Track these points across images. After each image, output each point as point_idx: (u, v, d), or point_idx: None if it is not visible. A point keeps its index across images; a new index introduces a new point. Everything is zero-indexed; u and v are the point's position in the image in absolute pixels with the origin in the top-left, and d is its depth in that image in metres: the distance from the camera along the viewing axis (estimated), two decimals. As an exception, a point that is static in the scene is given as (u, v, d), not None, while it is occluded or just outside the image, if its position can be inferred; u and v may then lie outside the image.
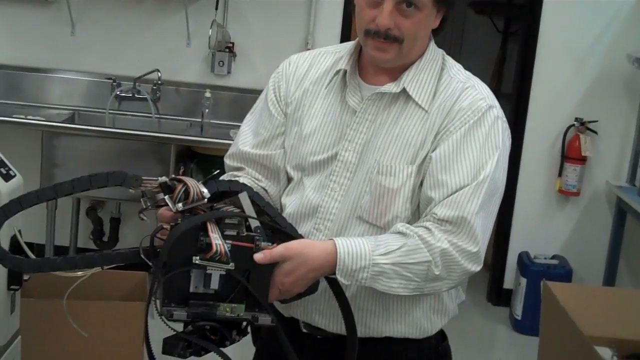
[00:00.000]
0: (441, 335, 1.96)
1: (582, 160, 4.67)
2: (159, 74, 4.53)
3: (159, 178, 1.59)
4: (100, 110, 4.55)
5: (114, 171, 1.59)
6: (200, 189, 1.58)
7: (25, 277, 2.18)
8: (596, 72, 4.70)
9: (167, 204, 1.58)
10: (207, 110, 4.47)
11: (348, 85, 1.84)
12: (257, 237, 1.57)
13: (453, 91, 1.79)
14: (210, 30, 4.45)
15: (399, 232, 1.70)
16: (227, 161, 1.98)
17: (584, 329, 2.49)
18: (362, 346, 1.76)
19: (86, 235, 4.71)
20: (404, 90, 1.79)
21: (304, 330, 1.89)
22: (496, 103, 1.81)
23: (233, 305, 1.56)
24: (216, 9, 4.52)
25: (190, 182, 1.58)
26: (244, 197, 1.65)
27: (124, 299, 3.30)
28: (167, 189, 1.59)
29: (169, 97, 4.63)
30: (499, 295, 4.96)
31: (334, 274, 1.67)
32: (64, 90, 4.65)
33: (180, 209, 1.56)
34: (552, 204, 4.84)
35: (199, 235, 1.53)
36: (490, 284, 5.03)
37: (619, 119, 4.72)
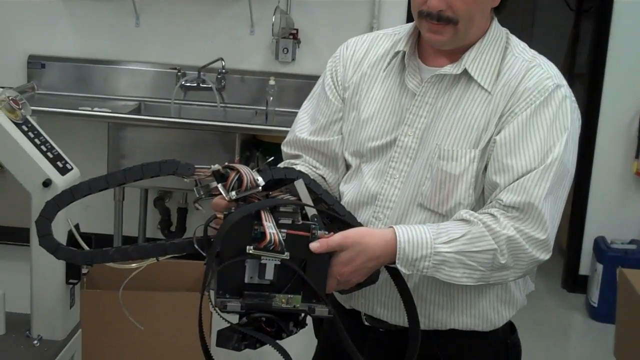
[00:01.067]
0: (510, 328, 1.88)
1: (660, 141, 4.52)
2: (223, 63, 4.51)
3: (212, 166, 1.55)
4: (165, 100, 4.55)
5: (166, 160, 1.56)
6: (254, 176, 1.54)
7: (84, 270, 2.17)
8: (675, 49, 4.54)
9: (220, 193, 1.54)
10: (271, 98, 4.44)
11: (407, 67, 1.78)
12: (313, 226, 1.52)
13: (518, 71, 1.71)
14: (273, 17, 4.40)
15: (463, 219, 1.64)
16: (285, 149, 1.94)
17: (662, 318, 2.39)
18: (426, 339, 1.69)
19: (154, 226, 4.74)
20: (465, 72, 1.72)
21: (366, 323, 1.84)
22: (564, 82, 1.72)
23: (289, 296, 1.51)
24: (279, -5, 4.49)
25: (244, 169, 1.54)
26: (300, 185, 1.60)
27: (189, 289, 3.28)
28: (220, 177, 1.54)
29: (233, 86, 4.62)
30: (574, 282, 4.85)
31: (394, 263, 1.61)
32: (129, 81, 4.67)
33: (234, 197, 1.52)
34: (630, 187, 4.70)
35: (252, 224, 1.49)
36: (565, 270, 4.91)
37: (700, 96, 4.55)
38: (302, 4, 4.57)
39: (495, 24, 1.78)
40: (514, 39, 1.80)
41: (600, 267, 4.47)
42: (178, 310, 3.06)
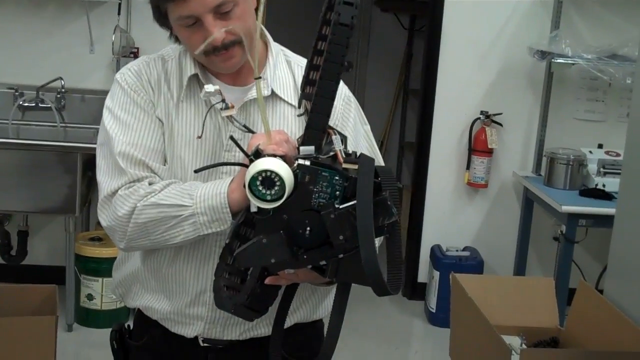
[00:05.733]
0: None
1: (489, 152, 4.77)
2: (63, 82, 4.44)
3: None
4: (2, 121, 4.43)
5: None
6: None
7: None
8: (499, 66, 4.81)
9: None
10: (113, 117, 4.39)
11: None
12: None
13: None
14: (113, 36, 4.39)
15: None
16: (130, 169, 1.76)
17: (492, 319, 2.53)
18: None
19: (-7, 250, 4.59)
20: (272, 92, 1.80)
21: (204, 344, 1.87)
22: None
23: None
24: (119, 14, 4.46)
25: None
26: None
27: (34, 313, 3.22)
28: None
29: (74, 105, 4.55)
30: (413, 289, 5.03)
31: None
32: (-37, 102, 4.52)
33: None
34: (462, 196, 4.94)
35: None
36: (405, 278, 5.08)
37: (523, 110, 4.85)
38: (142, 23, 4.54)
39: (268, 35, 1.87)
40: (285, 49, 1.90)
41: (437, 274, 4.65)
42: (25, 335, 2.99)
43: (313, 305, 1.90)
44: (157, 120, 1.79)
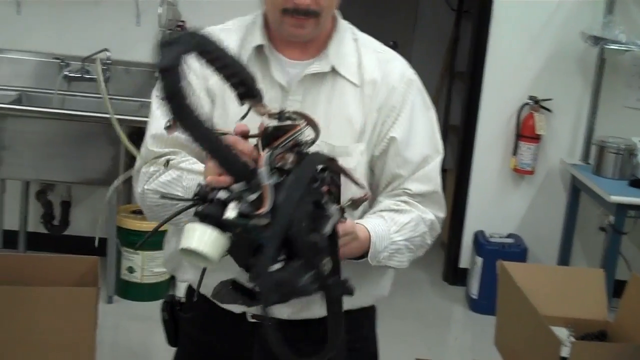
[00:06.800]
0: None
1: (537, 138, 4.69)
2: (108, 54, 4.43)
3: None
4: (48, 91, 4.43)
5: None
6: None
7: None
8: (550, 51, 4.72)
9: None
10: (158, 91, 4.37)
11: (270, 60, 1.75)
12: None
13: (379, 63, 1.80)
14: (160, 9, 4.36)
15: (398, 210, 1.74)
16: (154, 148, 1.75)
17: (540, 309, 2.48)
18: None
19: (36, 220, 4.61)
20: (332, 68, 1.76)
21: (252, 320, 1.82)
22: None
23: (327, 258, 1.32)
24: (166, -14, 4.44)
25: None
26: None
27: (76, 284, 3.22)
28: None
29: (119, 77, 4.54)
30: (455, 275, 4.98)
31: (362, 257, 1.67)
32: (10, 71, 4.52)
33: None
34: (507, 182, 4.86)
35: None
36: (446, 263, 5.04)
37: (573, 97, 4.75)
38: (189, -4, 4.54)
39: (339, 13, 1.82)
40: (354, 28, 1.86)
41: (479, 260, 4.59)
42: (67, 305, 2.99)
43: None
44: (205, 97, 1.76)
